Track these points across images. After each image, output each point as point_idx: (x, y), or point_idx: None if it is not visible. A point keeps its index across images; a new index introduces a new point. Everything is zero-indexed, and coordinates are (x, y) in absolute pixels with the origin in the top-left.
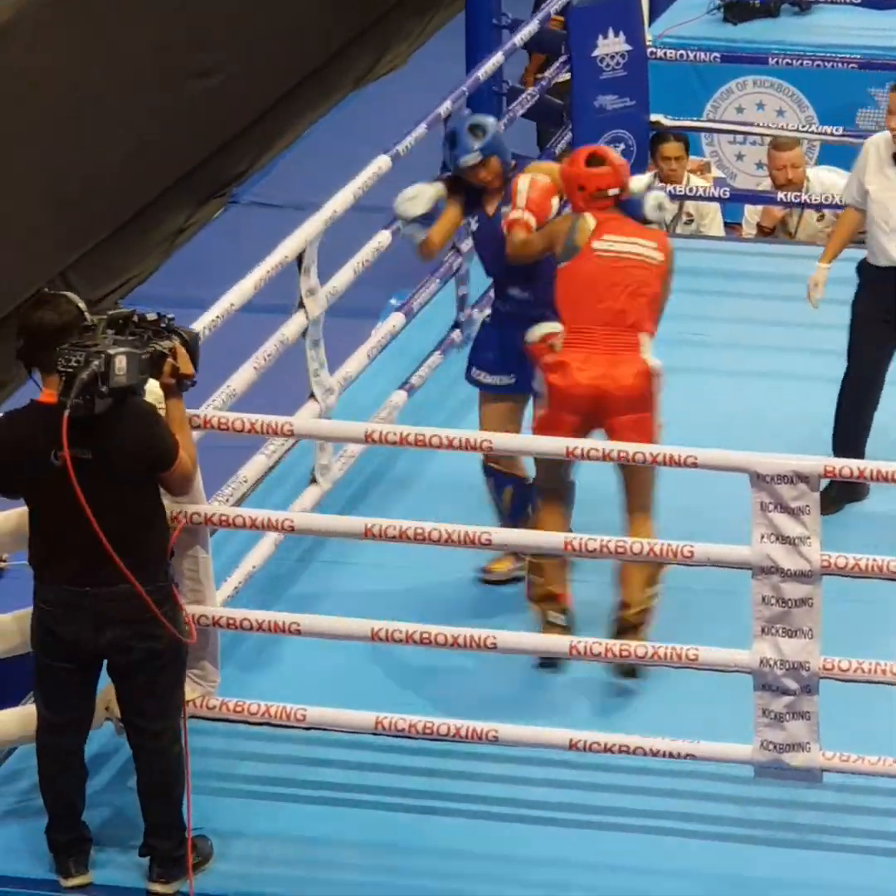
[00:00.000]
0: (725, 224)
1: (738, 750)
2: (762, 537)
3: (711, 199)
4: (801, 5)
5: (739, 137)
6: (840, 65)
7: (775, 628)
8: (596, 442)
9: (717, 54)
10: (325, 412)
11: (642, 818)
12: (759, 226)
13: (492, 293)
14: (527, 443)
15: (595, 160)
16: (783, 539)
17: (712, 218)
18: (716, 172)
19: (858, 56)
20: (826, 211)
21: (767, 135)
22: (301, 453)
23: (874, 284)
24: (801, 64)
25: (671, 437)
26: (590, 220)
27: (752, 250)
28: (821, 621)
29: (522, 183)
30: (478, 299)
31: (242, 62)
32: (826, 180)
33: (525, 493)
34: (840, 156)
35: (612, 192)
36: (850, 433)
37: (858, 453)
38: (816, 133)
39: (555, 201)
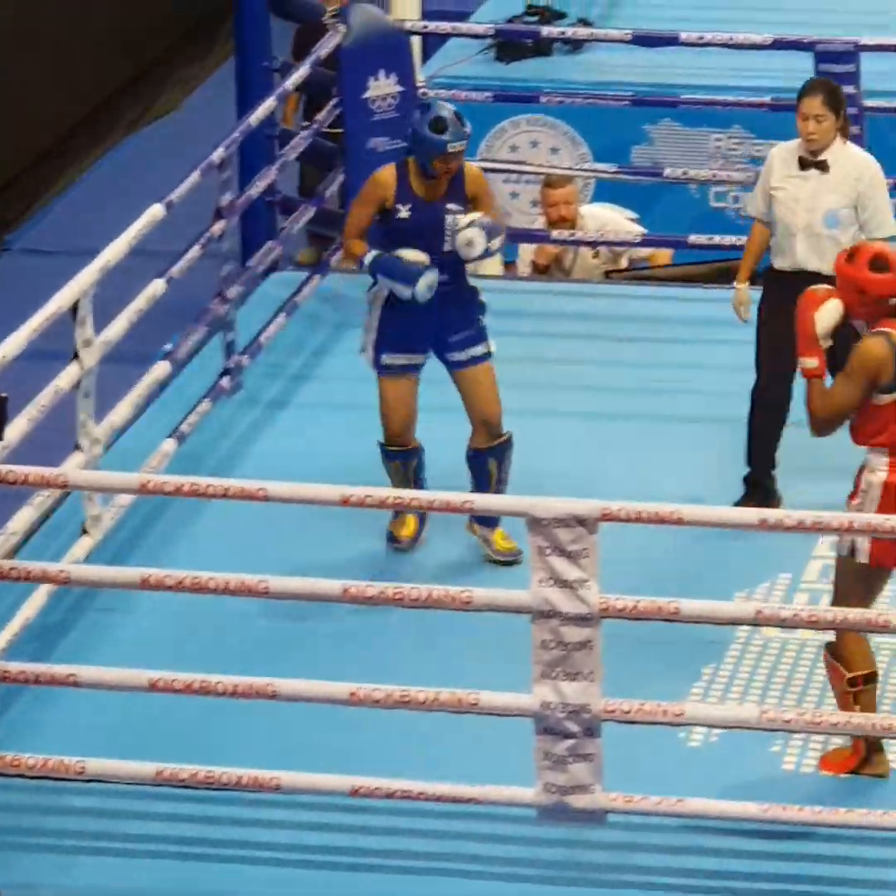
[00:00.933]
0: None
1: (521, 793)
2: (540, 581)
3: None
4: (573, 44)
5: (514, 176)
6: (612, 102)
7: (556, 672)
8: (371, 489)
9: (490, 93)
10: (92, 463)
11: (427, 860)
12: (533, 263)
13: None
14: (300, 491)
15: (878, 264)
16: (561, 583)
17: None
18: None
19: (631, 93)
20: (601, 248)
21: (541, 173)
22: (70, 504)
23: (778, 288)
24: (573, 102)
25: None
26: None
27: (527, 288)
28: (601, 664)
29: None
30: (246, 346)
31: (13, 108)
32: (601, 217)
33: (423, 460)
34: (615, 193)
35: (895, 301)
36: (762, 441)
37: (771, 461)
38: (591, 170)
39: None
